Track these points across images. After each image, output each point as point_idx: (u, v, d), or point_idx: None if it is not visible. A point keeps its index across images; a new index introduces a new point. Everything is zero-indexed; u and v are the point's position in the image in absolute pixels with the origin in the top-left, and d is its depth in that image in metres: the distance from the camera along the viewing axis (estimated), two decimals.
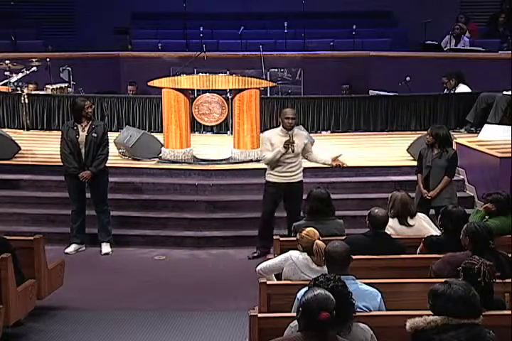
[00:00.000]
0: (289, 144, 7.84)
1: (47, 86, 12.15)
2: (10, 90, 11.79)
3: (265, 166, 8.66)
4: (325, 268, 5.00)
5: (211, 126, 11.15)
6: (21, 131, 11.52)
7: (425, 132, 8.31)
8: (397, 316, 4.48)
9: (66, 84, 12.35)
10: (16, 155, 9.96)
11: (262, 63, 13.28)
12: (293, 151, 7.88)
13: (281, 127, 7.99)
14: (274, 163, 7.99)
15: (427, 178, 7.91)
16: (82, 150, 8.22)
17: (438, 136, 7.86)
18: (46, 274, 6.53)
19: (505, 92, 10.61)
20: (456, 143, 9.50)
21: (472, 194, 9.19)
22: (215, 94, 9.85)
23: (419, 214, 6.65)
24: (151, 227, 8.91)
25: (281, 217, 8.28)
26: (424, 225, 6.55)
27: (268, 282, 5.35)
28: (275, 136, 7.95)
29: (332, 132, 11.56)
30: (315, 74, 13.59)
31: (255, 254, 8.24)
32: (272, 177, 8.06)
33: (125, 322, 6.60)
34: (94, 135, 8.19)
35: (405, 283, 5.27)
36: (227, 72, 11.06)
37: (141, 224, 8.96)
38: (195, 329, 6.47)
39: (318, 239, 5.42)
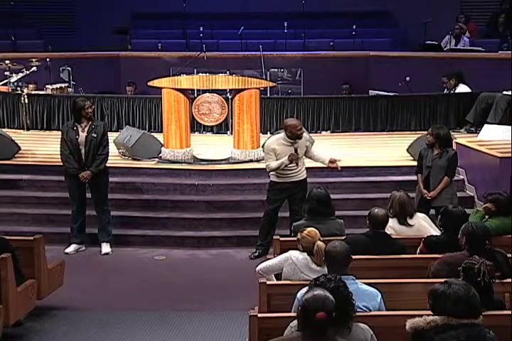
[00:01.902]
0: (293, 158, 7.80)
1: (47, 86, 12.15)
2: (10, 90, 11.78)
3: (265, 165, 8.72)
4: (325, 268, 5.01)
5: (211, 126, 11.15)
6: (21, 131, 11.52)
7: (425, 132, 8.31)
8: (397, 316, 4.48)
9: (66, 84, 12.34)
10: (16, 155, 9.96)
11: (262, 63, 13.28)
12: (297, 165, 7.88)
13: (284, 136, 7.93)
14: (277, 170, 8.01)
15: (427, 178, 7.91)
16: (82, 151, 8.21)
17: (439, 136, 7.86)
18: (46, 274, 6.53)
19: (505, 92, 10.61)
20: (456, 143, 9.50)
21: (472, 194, 9.19)
22: (215, 94, 9.85)
23: (419, 214, 6.65)
24: (151, 227, 8.91)
25: (281, 217, 8.28)
26: (424, 225, 6.54)
27: (268, 282, 5.36)
28: (280, 146, 7.90)
29: (332, 132, 11.56)
30: (315, 74, 13.59)
31: (256, 254, 8.24)
32: (279, 178, 8.05)
33: (125, 322, 6.60)
34: (94, 135, 8.19)
35: (405, 283, 5.27)
36: (227, 72, 11.05)
37: (141, 224, 8.97)
38: (195, 329, 6.47)
39: (319, 239, 5.42)
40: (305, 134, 8.28)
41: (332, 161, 8.07)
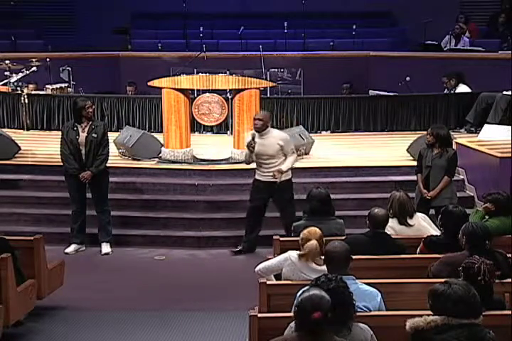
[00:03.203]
0: (248, 145, 7.92)
1: (47, 86, 12.14)
2: (10, 90, 11.78)
3: None
4: (324, 267, 5.00)
5: (211, 126, 11.15)
6: (21, 131, 11.51)
7: (425, 132, 8.31)
8: (397, 316, 4.48)
9: (66, 84, 12.34)
10: (16, 155, 9.96)
11: (262, 63, 13.28)
12: (251, 152, 7.93)
13: None
14: (250, 163, 8.16)
15: (426, 178, 7.91)
16: (82, 151, 8.21)
17: (438, 136, 7.86)
18: (46, 274, 6.53)
19: (505, 92, 10.61)
20: (456, 143, 9.50)
21: (472, 194, 9.19)
22: (215, 94, 9.85)
23: (419, 214, 6.65)
24: (151, 227, 8.91)
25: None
26: (423, 225, 6.55)
27: (268, 282, 5.36)
28: (251, 136, 8.03)
29: (332, 132, 11.56)
30: (315, 74, 13.58)
31: (237, 249, 8.32)
32: (257, 175, 8.16)
33: (125, 322, 6.60)
34: (94, 135, 8.19)
35: (405, 283, 5.27)
36: (227, 72, 11.05)
37: (141, 224, 8.96)
38: (195, 329, 6.47)
39: (320, 237, 5.41)
40: (280, 133, 8.23)
41: (277, 171, 7.98)
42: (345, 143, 10.90)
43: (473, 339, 3.87)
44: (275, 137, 8.03)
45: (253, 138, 7.92)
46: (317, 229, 5.50)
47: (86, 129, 8.22)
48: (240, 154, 9.67)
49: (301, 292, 4.13)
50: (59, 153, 8.38)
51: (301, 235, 5.49)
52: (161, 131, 10.07)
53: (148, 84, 9.83)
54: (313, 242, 5.29)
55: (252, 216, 8.26)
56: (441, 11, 14.75)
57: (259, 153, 7.99)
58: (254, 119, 8.04)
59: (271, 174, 7.97)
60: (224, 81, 9.61)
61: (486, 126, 10.50)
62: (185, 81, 9.55)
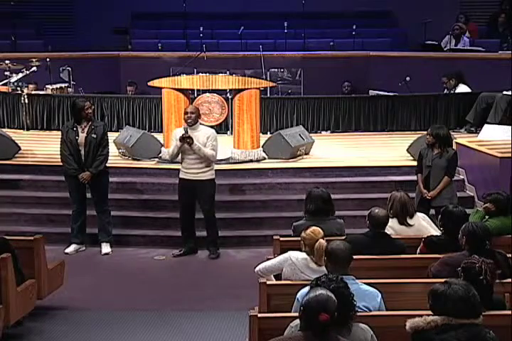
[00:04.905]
0: (183, 138, 7.86)
1: (47, 86, 12.14)
2: (10, 90, 11.78)
3: (265, 166, 8.75)
4: (324, 268, 4.99)
5: (211, 126, 11.12)
6: (21, 131, 11.52)
7: (425, 132, 8.32)
8: (397, 316, 4.48)
9: (66, 84, 12.33)
10: (16, 155, 9.96)
11: (262, 63, 13.27)
12: (189, 145, 7.87)
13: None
14: (175, 158, 8.13)
15: (427, 178, 7.91)
16: (82, 152, 8.21)
17: (438, 136, 7.86)
18: (46, 274, 6.53)
19: (505, 92, 10.61)
20: (456, 143, 9.50)
21: (472, 194, 9.19)
22: (215, 94, 9.85)
23: (419, 214, 6.65)
24: (151, 227, 8.91)
25: (281, 217, 8.28)
26: (424, 225, 6.55)
27: (268, 282, 5.36)
28: (180, 132, 8.01)
29: (332, 132, 11.56)
30: (315, 74, 13.59)
31: (180, 252, 8.32)
32: (181, 173, 8.17)
33: (125, 322, 6.60)
34: (94, 136, 8.18)
35: (405, 283, 5.27)
36: (227, 72, 11.06)
37: (141, 224, 8.96)
38: (195, 329, 6.47)
39: (322, 238, 5.41)
40: (207, 129, 8.23)
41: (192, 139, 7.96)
42: (345, 143, 10.91)
43: (474, 339, 3.87)
44: (203, 132, 8.04)
45: (186, 132, 7.91)
46: (320, 229, 5.49)
47: (86, 130, 8.21)
48: (239, 154, 9.69)
49: (303, 291, 4.14)
50: (59, 153, 8.38)
51: (303, 235, 5.47)
52: (161, 131, 10.07)
53: (148, 84, 9.84)
54: (323, 242, 5.28)
55: (184, 217, 8.27)
56: (441, 11, 14.76)
57: (186, 148, 7.97)
58: (187, 113, 8.02)
59: (194, 171, 7.97)
60: (224, 81, 9.61)
61: (486, 126, 10.50)
62: (185, 81, 9.55)
